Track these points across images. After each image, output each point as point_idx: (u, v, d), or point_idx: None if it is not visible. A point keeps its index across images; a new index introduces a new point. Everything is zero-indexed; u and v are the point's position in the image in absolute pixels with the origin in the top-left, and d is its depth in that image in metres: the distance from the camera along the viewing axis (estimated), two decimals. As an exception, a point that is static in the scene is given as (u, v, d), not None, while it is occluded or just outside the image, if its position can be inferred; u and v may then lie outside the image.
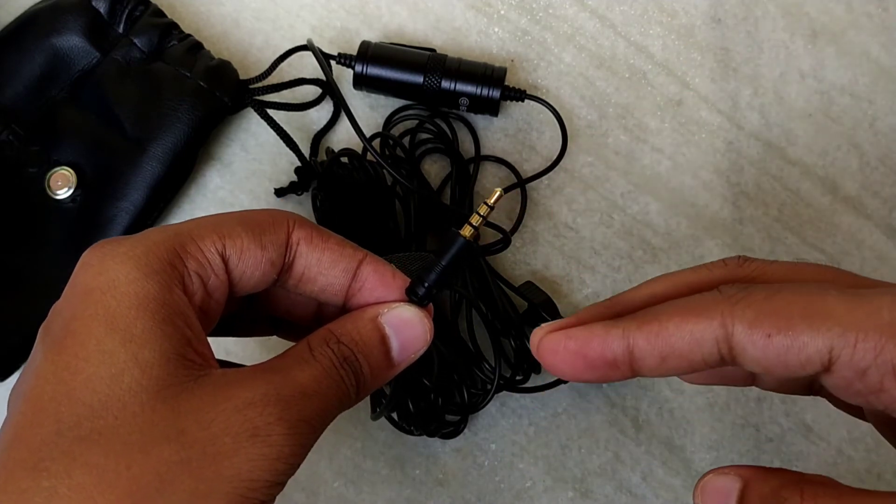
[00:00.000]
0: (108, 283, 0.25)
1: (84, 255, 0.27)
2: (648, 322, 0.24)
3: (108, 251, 0.26)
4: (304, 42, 0.43)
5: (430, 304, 0.30)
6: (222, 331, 0.32)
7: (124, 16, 0.43)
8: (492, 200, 0.28)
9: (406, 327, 0.29)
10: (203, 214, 0.44)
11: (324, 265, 0.29)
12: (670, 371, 0.24)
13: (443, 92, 0.43)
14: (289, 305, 0.32)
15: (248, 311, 0.32)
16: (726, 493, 0.24)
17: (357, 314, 0.29)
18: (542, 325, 0.27)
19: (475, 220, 0.29)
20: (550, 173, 0.44)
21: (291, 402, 0.25)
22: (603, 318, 0.26)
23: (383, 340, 0.29)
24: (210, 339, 0.28)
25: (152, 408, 0.24)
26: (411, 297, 0.29)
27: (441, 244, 0.29)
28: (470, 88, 0.43)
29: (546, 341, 0.26)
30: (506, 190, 0.44)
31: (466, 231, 0.29)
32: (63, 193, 0.42)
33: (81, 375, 0.24)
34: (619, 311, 0.26)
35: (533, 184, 0.44)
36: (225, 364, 0.32)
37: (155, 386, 0.24)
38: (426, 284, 0.29)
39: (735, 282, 0.25)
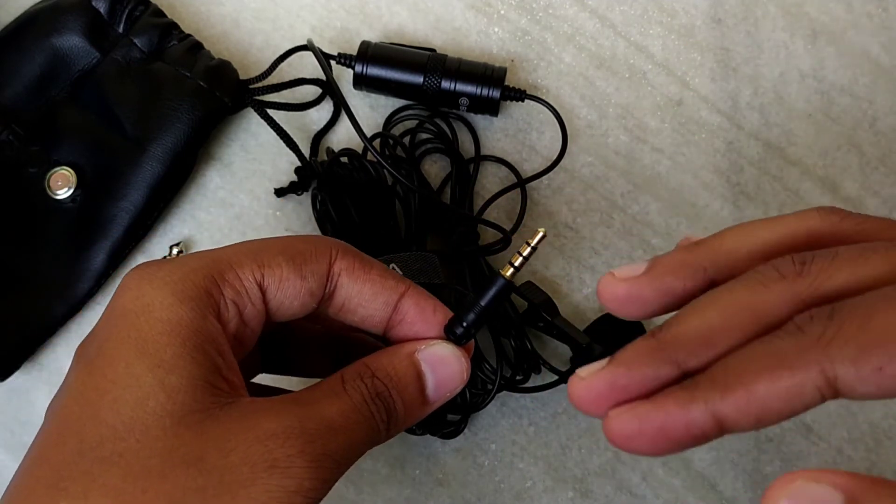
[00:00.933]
0: (142, 308, 0.25)
1: (124, 277, 0.27)
2: (732, 388, 0.21)
3: (147, 275, 0.26)
4: (304, 42, 0.43)
5: (471, 343, 0.30)
6: (278, 367, 0.32)
7: (124, 16, 0.43)
8: (534, 241, 0.28)
9: (443, 365, 0.29)
10: (203, 214, 0.45)
11: (364, 297, 0.29)
12: (766, 425, 0.22)
13: (443, 92, 0.43)
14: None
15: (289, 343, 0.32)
16: None
17: (394, 349, 0.29)
18: (595, 383, 0.23)
19: (517, 260, 0.28)
20: (550, 173, 0.44)
21: (316, 435, 0.25)
22: (656, 361, 0.23)
23: (419, 377, 0.28)
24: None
25: (175, 433, 0.24)
26: (449, 335, 0.29)
27: (482, 284, 0.29)
28: (470, 88, 0.43)
29: (617, 426, 0.23)
30: (505, 190, 0.44)
31: (507, 271, 0.28)
32: (63, 193, 0.42)
33: (108, 396, 0.24)
34: (672, 355, 0.23)
35: (533, 184, 0.44)
36: (263, 390, 0.31)
37: (179, 411, 0.24)
38: (465, 324, 0.29)
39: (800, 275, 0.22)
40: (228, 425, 0.24)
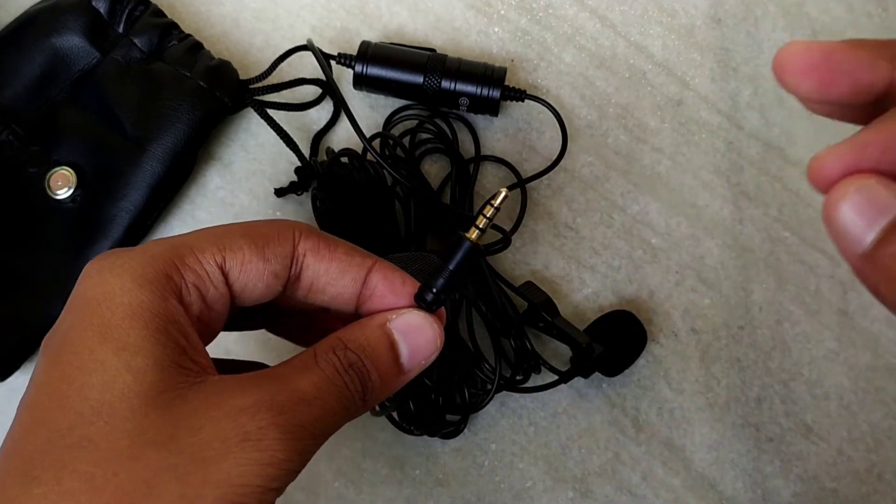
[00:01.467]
0: (103, 295, 0.25)
1: (86, 266, 0.27)
2: None
3: (107, 263, 0.26)
4: (304, 42, 0.43)
5: (442, 309, 0.30)
6: (237, 325, 0.32)
7: (124, 16, 0.43)
8: (497, 202, 0.28)
9: (415, 333, 0.29)
10: (203, 214, 0.45)
11: (332, 276, 0.29)
12: None
13: (443, 92, 0.43)
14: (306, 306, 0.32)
15: (267, 310, 0.32)
16: (879, 208, 0.20)
17: (365, 321, 0.29)
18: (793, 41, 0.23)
19: (481, 222, 0.28)
20: (550, 173, 0.44)
21: (287, 406, 0.25)
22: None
23: (392, 346, 0.29)
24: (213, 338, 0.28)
25: (143, 413, 0.24)
26: (420, 303, 0.29)
27: (447, 248, 0.29)
28: (470, 88, 0.43)
29: (802, 54, 0.22)
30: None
31: (472, 234, 0.28)
32: (63, 193, 0.42)
33: (75, 384, 0.24)
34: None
35: (533, 184, 0.44)
36: (237, 366, 0.31)
37: (148, 392, 0.24)
38: (434, 290, 0.29)
39: None
40: (197, 403, 0.24)
